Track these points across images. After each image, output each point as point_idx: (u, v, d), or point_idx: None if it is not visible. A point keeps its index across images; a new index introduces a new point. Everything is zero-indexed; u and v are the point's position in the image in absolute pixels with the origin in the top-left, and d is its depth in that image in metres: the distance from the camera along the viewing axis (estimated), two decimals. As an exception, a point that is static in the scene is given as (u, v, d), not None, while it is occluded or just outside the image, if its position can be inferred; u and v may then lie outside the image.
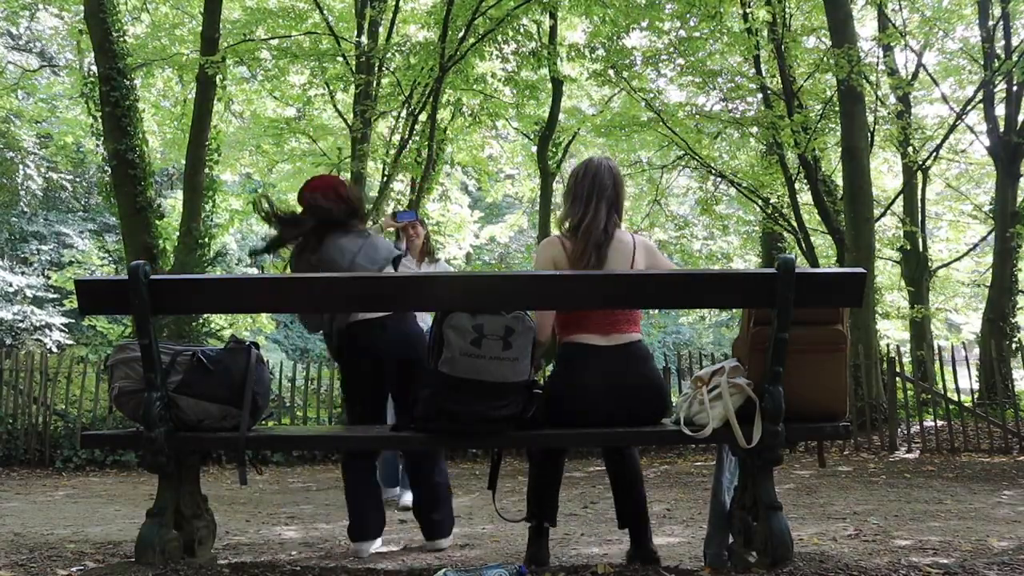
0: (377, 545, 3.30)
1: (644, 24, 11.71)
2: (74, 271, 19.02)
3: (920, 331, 13.30)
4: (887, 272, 15.09)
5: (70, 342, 19.72)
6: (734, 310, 12.83)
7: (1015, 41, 11.48)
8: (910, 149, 12.41)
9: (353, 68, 11.19)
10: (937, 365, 8.96)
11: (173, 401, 2.56)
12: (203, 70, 10.26)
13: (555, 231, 2.94)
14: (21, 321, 19.94)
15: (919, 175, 13.14)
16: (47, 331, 20.34)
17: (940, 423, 8.31)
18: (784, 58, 10.83)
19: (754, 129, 12.05)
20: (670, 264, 2.94)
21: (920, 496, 5.10)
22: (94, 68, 10.57)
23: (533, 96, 12.55)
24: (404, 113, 11.25)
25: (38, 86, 16.22)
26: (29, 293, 20.52)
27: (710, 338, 26.05)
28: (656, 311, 18.31)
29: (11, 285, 20.17)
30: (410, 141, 10.97)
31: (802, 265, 7.22)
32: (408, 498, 4.76)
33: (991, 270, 11.98)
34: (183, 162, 11.38)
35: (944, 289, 16.13)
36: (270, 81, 12.58)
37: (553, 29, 12.80)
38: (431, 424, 2.54)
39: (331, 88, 12.36)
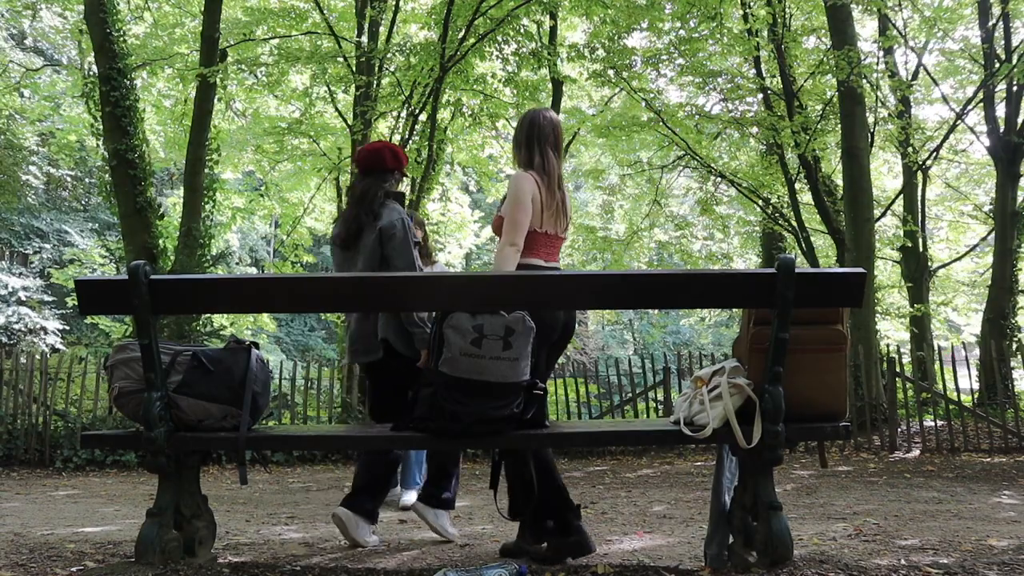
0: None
1: (644, 24, 11.71)
2: (75, 270, 19.02)
3: (920, 331, 13.31)
4: (887, 272, 15.09)
5: (62, 347, 19.71)
6: (734, 310, 12.85)
7: (1015, 41, 11.48)
8: (910, 149, 12.41)
9: (353, 68, 11.19)
10: (937, 365, 8.97)
11: (173, 401, 2.56)
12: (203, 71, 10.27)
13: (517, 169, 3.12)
14: (16, 323, 19.94)
15: (919, 175, 13.14)
16: (42, 334, 20.33)
17: (940, 423, 8.32)
18: (784, 58, 10.83)
19: (754, 129, 12.06)
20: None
21: (920, 496, 5.10)
22: (95, 68, 10.58)
23: (533, 96, 12.53)
24: (404, 113, 11.25)
25: (40, 85, 16.23)
26: (23, 296, 20.50)
27: (709, 339, 26.03)
28: (656, 311, 18.31)
29: (7, 287, 20.17)
30: (410, 141, 10.96)
31: (802, 265, 7.24)
32: (408, 497, 4.77)
33: (991, 270, 11.98)
34: (183, 162, 11.38)
35: (944, 289, 16.14)
36: (270, 80, 12.56)
37: (553, 29, 12.79)
38: (431, 424, 2.55)
39: (332, 89, 12.36)
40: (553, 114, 3.17)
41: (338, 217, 3.48)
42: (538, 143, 3.03)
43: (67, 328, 20.92)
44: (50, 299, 20.79)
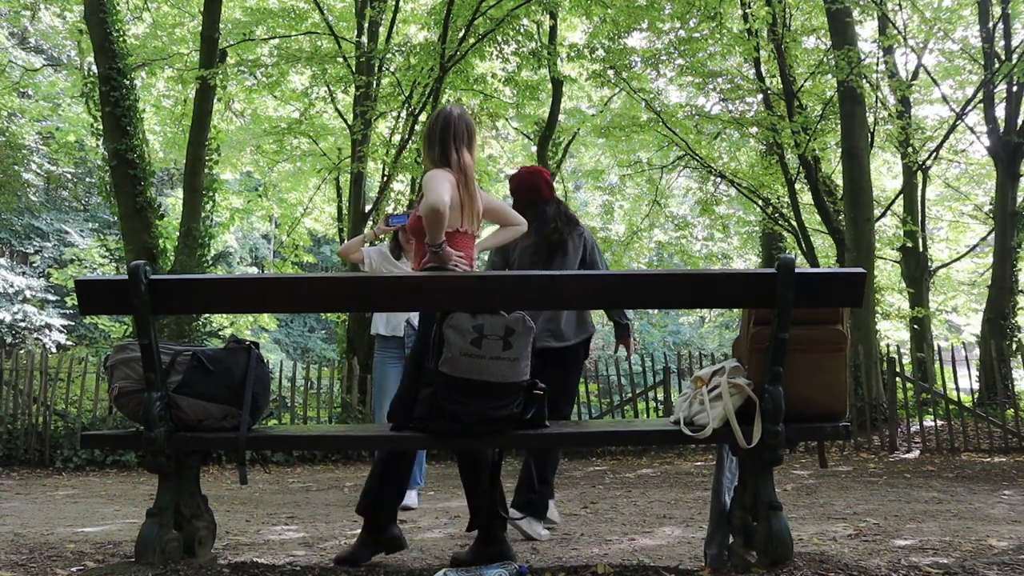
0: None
1: (644, 25, 11.70)
2: (75, 269, 19.02)
3: (920, 331, 13.31)
4: (887, 272, 15.09)
5: (69, 343, 19.74)
6: (734, 310, 12.84)
7: (1015, 42, 11.48)
8: (910, 149, 12.41)
9: (353, 69, 11.19)
10: (937, 365, 8.97)
11: (173, 401, 2.56)
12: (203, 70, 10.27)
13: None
14: (22, 321, 19.96)
15: (919, 175, 13.14)
16: (47, 331, 20.36)
17: (940, 423, 8.31)
18: (784, 58, 10.83)
19: (754, 129, 12.06)
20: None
21: (920, 496, 5.10)
22: (95, 68, 10.58)
23: (533, 96, 12.54)
24: (404, 113, 11.25)
25: (40, 85, 16.22)
26: (30, 294, 20.54)
27: (718, 342, 25.88)
28: (656, 311, 18.31)
29: (12, 285, 20.19)
30: (410, 141, 10.97)
31: (802, 265, 7.23)
32: (408, 499, 4.76)
33: (991, 270, 11.97)
34: (183, 162, 11.38)
35: (944, 289, 16.13)
36: (270, 80, 12.56)
37: (553, 29, 12.79)
38: (431, 424, 2.55)
39: (332, 89, 12.36)
40: (467, 112, 3.16)
41: (531, 237, 3.88)
42: (454, 141, 3.01)
43: (72, 325, 20.95)
44: (53, 298, 20.81)
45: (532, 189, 3.96)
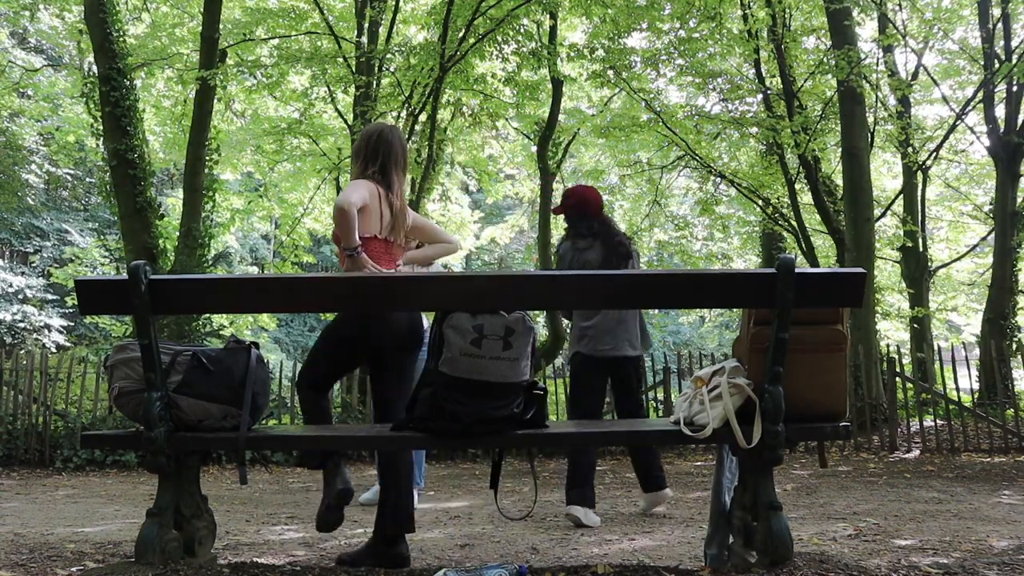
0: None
1: (644, 25, 11.70)
2: (75, 268, 19.02)
3: (920, 331, 13.30)
4: (887, 272, 15.09)
5: (68, 344, 19.75)
6: (734, 310, 12.84)
7: (1015, 42, 11.48)
8: (910, 149, 12.41)
9: (353, 69, 11.19)
10: (937, 365, 8.97)
11: (173, 401, 2.56)
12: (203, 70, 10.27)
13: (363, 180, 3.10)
14: (21, 321, 19.98)
15: (919, 175, 13.14)
16: (46, 331, 20.38)
17: (940, 423, 8.31)
18: (784, 59, 10.82)
19: (754, 129, 12.05)
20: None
21: (920, 496, 5.10)
22: (95, 68, 10.57)
23: (533, 96, 12.53)
24: (404, 113, 11.25)
25: (40, 85, 16.23)
26: (29, 294, 20.56)
27: (717, 343, 25.89)
28: (656, 311, 18.31)
29: (11, 285, 20.21)
30: (410, 141, 10.97)
31: (802, 265, 7.22)
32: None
33: (991, 270, 11.97)
34: (183, 162, 11.38)
35: (944, 289, 16.12)
36: (270, 80, 12.56)
37: (553, 29, 12.79)
38: (431, 424, 2.55)
39: (331, 89, 12.36)
40: (403, 135, 3.20)
41: (588, 244, 4.32)
42: (394, 166, 3.06)
43: (71, 324, 20.96)
44: (53, 298, 20.82)
45: (585, 200, 4.34)
